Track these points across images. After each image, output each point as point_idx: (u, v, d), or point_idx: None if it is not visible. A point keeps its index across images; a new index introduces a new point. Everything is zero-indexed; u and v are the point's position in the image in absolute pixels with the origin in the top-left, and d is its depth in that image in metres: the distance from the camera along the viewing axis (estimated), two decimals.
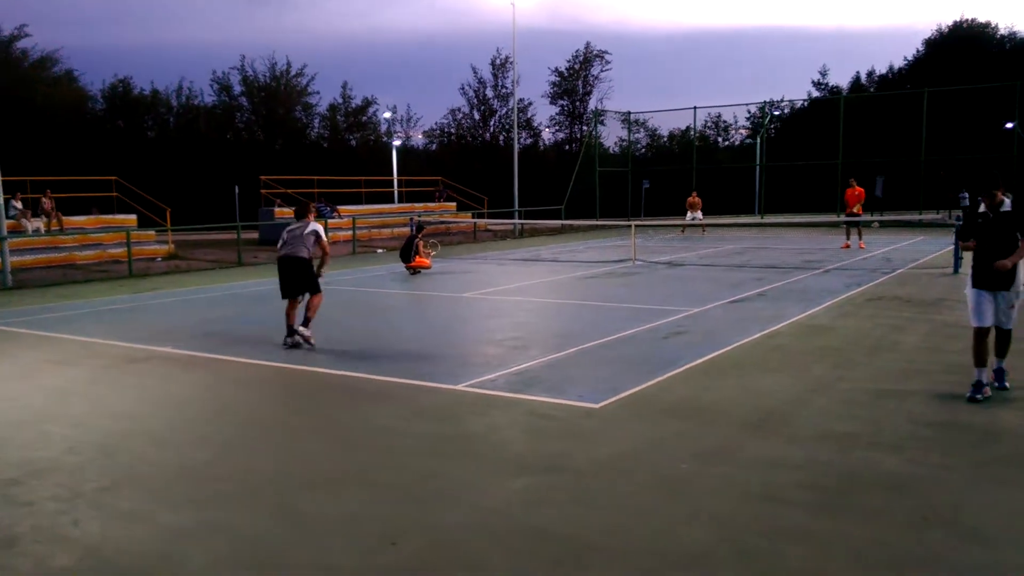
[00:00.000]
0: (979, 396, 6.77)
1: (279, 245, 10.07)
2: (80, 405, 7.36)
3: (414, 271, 17.87)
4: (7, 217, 20.43)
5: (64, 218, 23.83)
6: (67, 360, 9.36)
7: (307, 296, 9.95)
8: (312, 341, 9.64)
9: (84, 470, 5.56)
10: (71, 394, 7.78)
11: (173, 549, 4.32)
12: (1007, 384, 7.09)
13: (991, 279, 6.80)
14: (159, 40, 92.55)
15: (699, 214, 30.16)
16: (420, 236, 18.45)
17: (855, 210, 22.50)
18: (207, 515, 4.77)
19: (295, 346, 9.66)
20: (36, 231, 22.43)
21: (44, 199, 23.45)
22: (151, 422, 6.83)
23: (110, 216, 25.61)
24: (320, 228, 10.07)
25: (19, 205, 22.59)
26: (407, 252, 17.96)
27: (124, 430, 6.56)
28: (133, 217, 25.67)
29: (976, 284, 6.93)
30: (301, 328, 9.68)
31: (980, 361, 6.87)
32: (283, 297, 10.04)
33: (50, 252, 21.79)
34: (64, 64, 47.53)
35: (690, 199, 30.50)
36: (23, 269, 19.54)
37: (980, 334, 6.91)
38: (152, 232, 24.98)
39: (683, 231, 31.11)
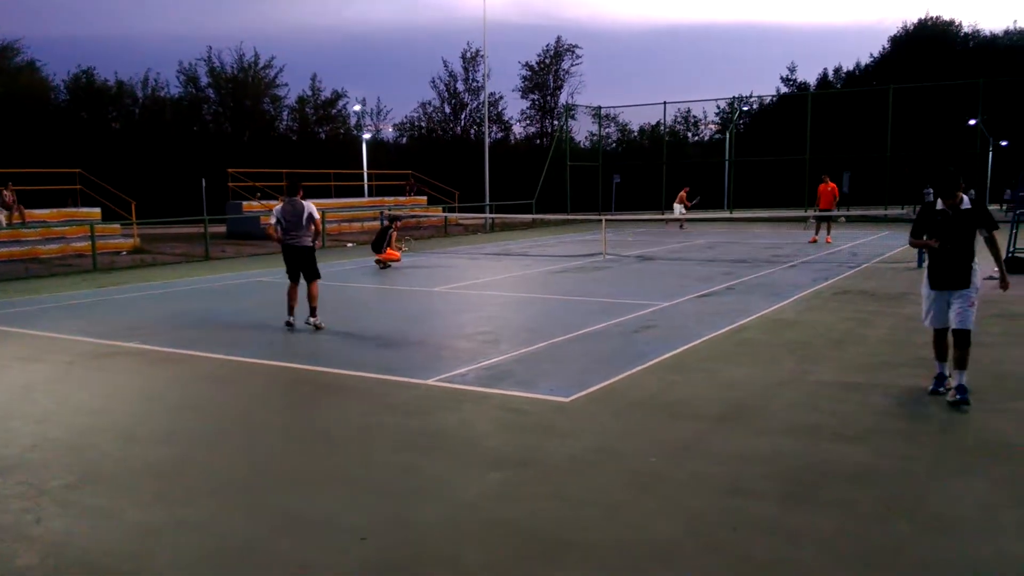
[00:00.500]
0: (941, 389, 6.79)
1: (273, 221, 10.57)
2: (44, 401, 7.24)
3: (383, 265, 17.82)
4: None
5: (27, 211, 23.39)
6: (31, 356, 9.20)
7: (307, 283, 10.56)
8: (321, 324, 10.38)
9: (49, 467, 5.48)
10: (35, 390, 7.65)
11: (141, 547, 4.27)
12: (968, 400, 6.44)
13: (948, 279, 6.60)
14: (124, 30, 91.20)
15: (682, 208, 30.25)
16: (394, 228, 18.41)
17: (831, 206, 22.81)
18: (176, 513, 4.72)
19: (291, 326, 10.39)
20: None
21: (5, 192, 22.98)
22: (118, 418, 6.74)
23: (74, 209, 25.15)
24: (314, 208, 10.57)
25: None
26: (379, 243, 17.94)
27: (90, 426, 6.47)
28: (97, 210, 25.24)
29: (933, 285, 6.72)
30: (311, 320, 10.40)
31: (941, 356, 6.84)
32: (289, 279, 10.61)
33: (12, 246, 21.38)
34: (26, 54, 46.67)
35: (681, 193, 30.63)
36: None
37: (939, 334, 6.83)
38: (117, 225, 24.60)
39: (681, 226, 30.79)
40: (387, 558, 4.11)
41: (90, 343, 9.84)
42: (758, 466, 5.29)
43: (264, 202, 30.11)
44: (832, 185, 22.84)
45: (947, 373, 6.84)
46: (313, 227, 10.48)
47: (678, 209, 30.52)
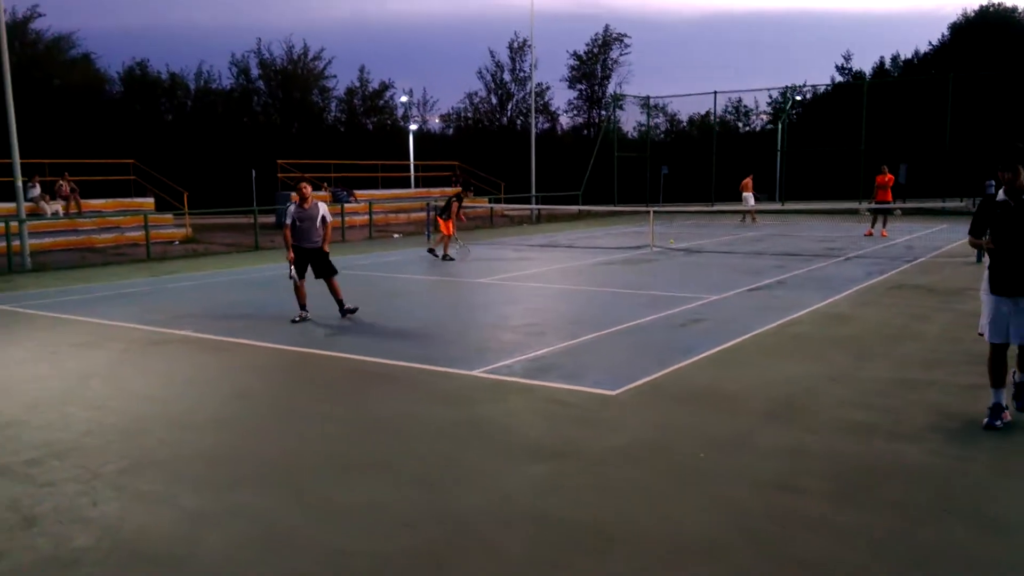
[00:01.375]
0: (998, 423, 5.72)
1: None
2: (100, 387, 7.42)
3: (441, 254, 17.82)
4: (25, 200, 20.57)
5: (82, 201, 23.99)
6: (87, 343, 9.42)
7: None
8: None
9: (104, 452, 5.60)
10: (91, 376, 7.83)
11: (192, 531, 4.34)
12: None
13: (1012, 283, 5.62)
14: (176, 22, 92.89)
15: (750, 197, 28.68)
16: (462, 197, 18.42)
17: (888, 197, 22.22)
18: (226, 498, 4.80)
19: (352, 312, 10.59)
20: (55, 214, 22.59)
21: (62, 182, 23.61)
22: (171, 405, 6.88)
23: (128, 199, 25.75)
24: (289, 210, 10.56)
25: (37, 188, 22.76)
26: (445, 210, 18.05)
27: (144, 413, 6.60)
28: (151, 200, 25.80)
29: (995, 289, 5.72)
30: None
31: (998, 381, 5.79)
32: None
33: (68, 235, 21.97)
34: (81, 47, 47.79)
35: (744, 181, 29.05)
36: (42, 252, 19.71)
37: (998, 350, 5.79)
38: (170, 215, 25.13)
39: (753, 219, 29.24)
40: (429, 547, 4.12)
41: (143, 331, 10.05)
42: (808, 463, 5.18)
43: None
44: (890, 176, 22.20)
45: (1004, 402, 5.83)
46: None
47: (749, 199, 28.68)
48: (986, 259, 6.05)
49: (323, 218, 10.47)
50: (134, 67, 48.90)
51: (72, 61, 46.94)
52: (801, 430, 5.84)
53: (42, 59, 44.31)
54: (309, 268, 10.49)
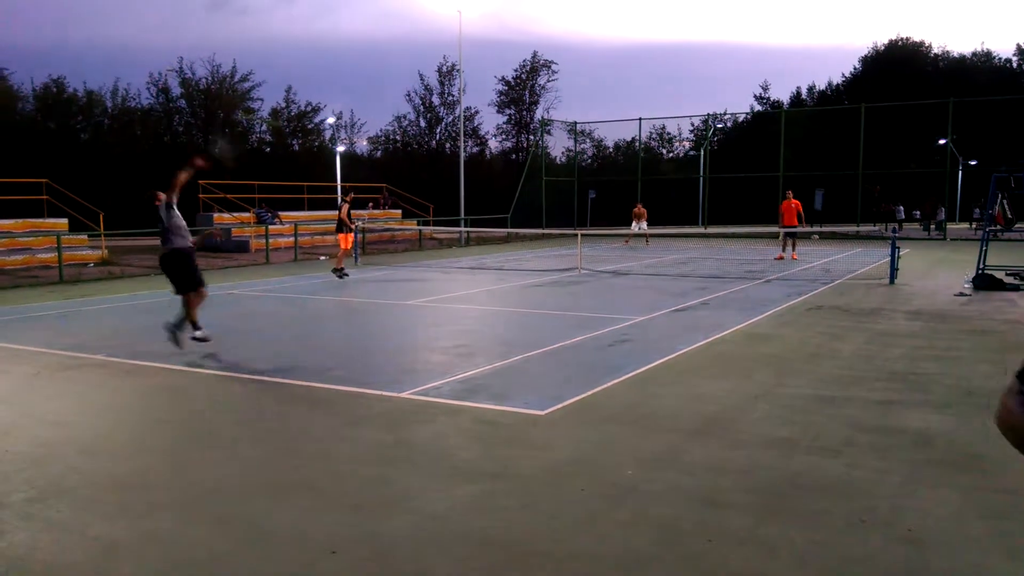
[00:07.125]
0: None
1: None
2: (7, 413, 7.07)
3: (341, 274, 17.84)
4: None
5: None
6: None
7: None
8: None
9: (11, 480, 5.33)
10: None
11: (105, 561, 4.15)
12: None
13: None
14: (94, 39, 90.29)
15: (644, 224, 30.53)
16: (347, 200, 18.96)
17: (795, 222, 22.99)
18: (142, 526, 4.61)
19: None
20: None
21: None
22: (82, 431, 6.59)
23: (40, 220, 24.75)
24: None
25: None
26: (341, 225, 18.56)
27: (54, 439, 6.31)
28: (64, 221, 24.85)
29: None
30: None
31: None
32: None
33: None
34: None
35: (635, 209, 30.94)
36: None
37: None
38: (84, 237, 24.25)
39: (627, 241, 31.48)
40: (356, 571, 4.03)
41: (55, 355, 9.64)
42: (733, 478, 5.27)
43: (236, 214, 29.89)
44: (796, 202, 22.97)
45: None
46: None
47: (636, 226, 30.59)
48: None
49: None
50: (50, 84, 47.38)
51: None
52: (726, 446, 5.94)
53: None
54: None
